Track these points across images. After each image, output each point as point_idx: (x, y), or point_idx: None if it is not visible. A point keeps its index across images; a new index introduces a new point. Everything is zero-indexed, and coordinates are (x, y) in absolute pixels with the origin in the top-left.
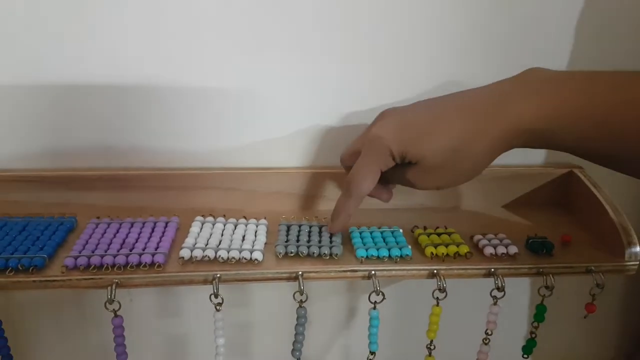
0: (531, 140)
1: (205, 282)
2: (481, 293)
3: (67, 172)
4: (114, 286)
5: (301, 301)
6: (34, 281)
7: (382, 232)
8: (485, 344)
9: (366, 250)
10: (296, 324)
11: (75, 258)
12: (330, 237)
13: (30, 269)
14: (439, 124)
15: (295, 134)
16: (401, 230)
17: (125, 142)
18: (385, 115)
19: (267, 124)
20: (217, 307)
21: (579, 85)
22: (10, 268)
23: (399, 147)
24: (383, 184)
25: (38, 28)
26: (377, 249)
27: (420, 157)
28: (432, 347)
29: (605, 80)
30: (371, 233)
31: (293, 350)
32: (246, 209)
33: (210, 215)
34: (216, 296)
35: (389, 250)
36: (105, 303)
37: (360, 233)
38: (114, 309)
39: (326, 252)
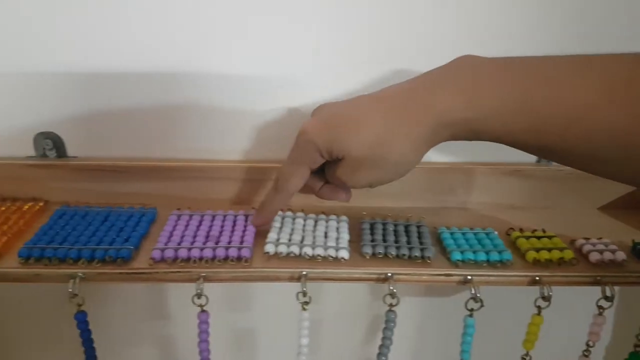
0: (459, 131)
1: (291, 279)
2: (575, 301)
3: (145, 162)
4: (201, 280)
5: (391, 304)
6: (120, 273)
7: (475, 234)
8: (586, 356)
9: (461, 253)
10: (384, 328)
11: (162, 250)
12: (419, 238)
13: (118, 260)
14: (363, 118)
15: None
16: (496, 233)
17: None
18: (317, 110)
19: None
20: (304, 306)
21: (506, 73)
22: (96, 259)
23: (325, 142)
24: (336, 185)
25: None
26: (474, 252)
27: (346, 152)
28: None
29: (534, 65)
30: (464, 234)
31: (379, 355)
32: (320, 202)
33: (289, 209)
34: (304, 294)
35: (486, 253)
36: (193, 297)
37: (452, 234)
38: (200, 304)
39: (417, 254)
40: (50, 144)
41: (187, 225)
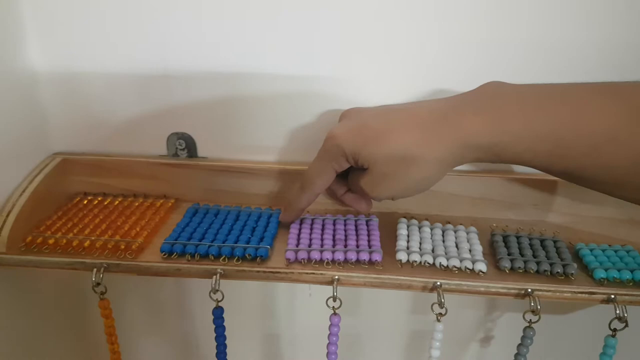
0: (484, 155)
1: (424, 289)
2: None
3: (270, 164)
4: (335, 283)
5: (531, 321)
6: (257, 271)
7: (615, 252)
8: None
9: (605, 270)
10: (519, 345)
11: (295, 252)
12: (558, 254)
13: (257, 259)
14: (392, 131)
15: None
16: (637, 252)
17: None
18: (346, 115)
19: None
20: (438, 317)
21: (531, 99)
22: (237, 257)
23: (353, 148)
24: (358, 194)
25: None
26: (618, 271)
27: (372, 163)
28: None
29: (559, 92)
30: (603, 251)
31: None
32: (445, 212)
33: (413, 217)
34: (441, 305)
35: (631, 272)
36: (327, 300)
37: (591, 250)
38: (333, 306)
39: (559, 270)
40: (183, 144)
41: (311, 227)
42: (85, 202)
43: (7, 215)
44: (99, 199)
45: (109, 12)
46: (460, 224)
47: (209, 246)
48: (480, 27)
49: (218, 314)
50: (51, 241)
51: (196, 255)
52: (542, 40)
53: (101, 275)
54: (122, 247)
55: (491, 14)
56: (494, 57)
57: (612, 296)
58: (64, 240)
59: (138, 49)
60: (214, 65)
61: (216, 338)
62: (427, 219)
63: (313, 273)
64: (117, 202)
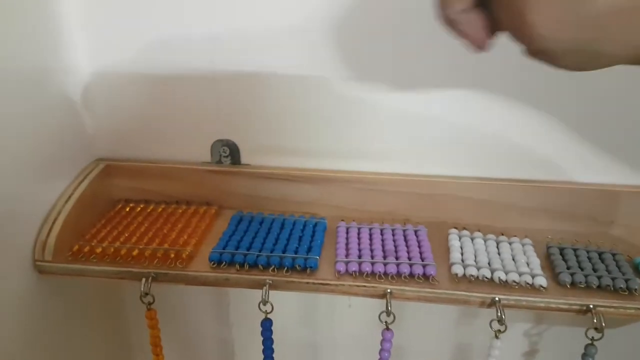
0: None
1: (482, 304)
2: None
3: (315, 172)
4: (388, 297)
5: (593, 338)
6: (307, 283)
7: None
8: None
9: None
10: None
11: (346, 263)
12: (618, 268)
13: (307, 270)
14: None
15: None
16: None
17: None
18: None
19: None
20: (497, 334)
21: None
22: (286, 267)
23: None
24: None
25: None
26: None
27: None
28: None
29: None
30: None
31: None
32: (497, 223)
33: (464, 228)
34: (501, 322)
35: None
36: (379, 315)
37: None
38: (386, 321)
39: (622, 285)
40: (227, 151)
41: (359, 237)
42: (128, 209)
43: (53, 223)
44: (142, 206)
45: (155, 14)
46: (514, 236)
47: (258, 256)
48: None
49: (267, 326)
50: (98, 250)
51: (245, 264)
52: None
53: (149, 285)
54: (172, 255)
55: None
56: None
57: None
58: (112, 249)
59: (185, 51)
60: (260, 66)
61: (264, 351)
62: (478, 230)
63: (364, 286)
64: (160, 209)
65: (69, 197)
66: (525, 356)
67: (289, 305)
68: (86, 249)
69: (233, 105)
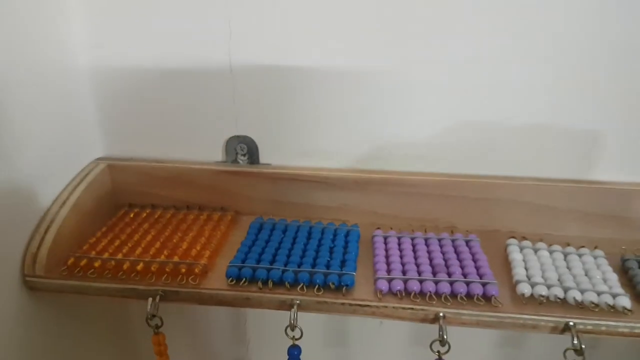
0: None
1: (554, 330)
2: None
3: (347, 172)
4: (441, 322)
5: None
6: (342, 304)
7: None
8: None
9: None
10: None
11: (389, 281)
12: None
13: (343, 288)
14: None
15: None
16: None
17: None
18: None
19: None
20: None
21: None
22: (317, 285)
23: None
24: None
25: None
26: None
27: None
28: None
29: None
30: None
31: None
32: (558, 231)
33: (524, 238)
34: (579, 353)
35: None
36: (431, 344)
37: None
38: (438, 351)
39: None
40: (245, 148)
41: (400, 249)
42: (132, 215)
43: (46, 232)
44: (148, 211)
45: (162, 5)
46: (582, 246)
47: (283, 271)
48: None
49: (294, 355)
50: (97, 263)
51: (269, 281)
52: None
53: (157, 305)
54: (183, 270)
55: None
56: None
57: None
58: (113, 263)
59: (196, 41)
60: (279, 59)
61: None
62: (541, 240)
63: (412, 309)
64: (168, 215)
65: (64, 201)
66: None
67: (313, 325)
68: (83, 262)
69: (250, 99)
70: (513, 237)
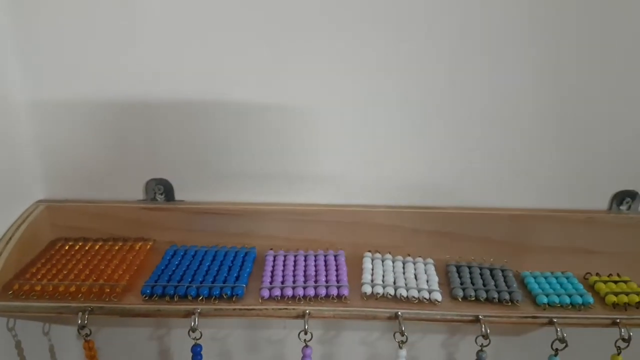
0: None
1: (388, 318)
2: None
3: (246, 205)
4: (306, 317)
5: (482, 345)
6: (234, 309)
7: (556, 278)
8: None
9: (546, 296)
10: None
11: (269, 289)
12: (505, 282)
13: (233, 297)
14: None
15: None
16: (576, 278)
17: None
18: None
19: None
20: (400, 345)
21: None
22: (214, 297)
23: None
24: None
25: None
26: (558, 296)
27: None
28: None
29: None
30: (546, 279)
31: None
32: (408, 246)
33: (377, 251)
34: (402, 334)
35: (569, 297)
36: (299, 333)
37: (535, 278)
38: (305, 339)
39: (506, 297)
40: (162, 188)
41: (284, 264)
42: (67, 247)
43: None
44: (80, 243)
45: (81, 44)
46: (419, 256)
47: (187, 287)
48: None
49: (197, 351)
50: (38, 288)
51: (175, 296)
52: None
53: (86, 319)
54: (107, 290)
55: None
56: None
57: (554, 319)
58: (51, 287)
59: (115, 81)
60: (190, 97)
61: None
62: (389, 252)
63: (285, 308)
64: (97, 246)
65: (9, 240)
66: None
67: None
68: (26, 287)
69: (164, 140)
70: (369, 251)
